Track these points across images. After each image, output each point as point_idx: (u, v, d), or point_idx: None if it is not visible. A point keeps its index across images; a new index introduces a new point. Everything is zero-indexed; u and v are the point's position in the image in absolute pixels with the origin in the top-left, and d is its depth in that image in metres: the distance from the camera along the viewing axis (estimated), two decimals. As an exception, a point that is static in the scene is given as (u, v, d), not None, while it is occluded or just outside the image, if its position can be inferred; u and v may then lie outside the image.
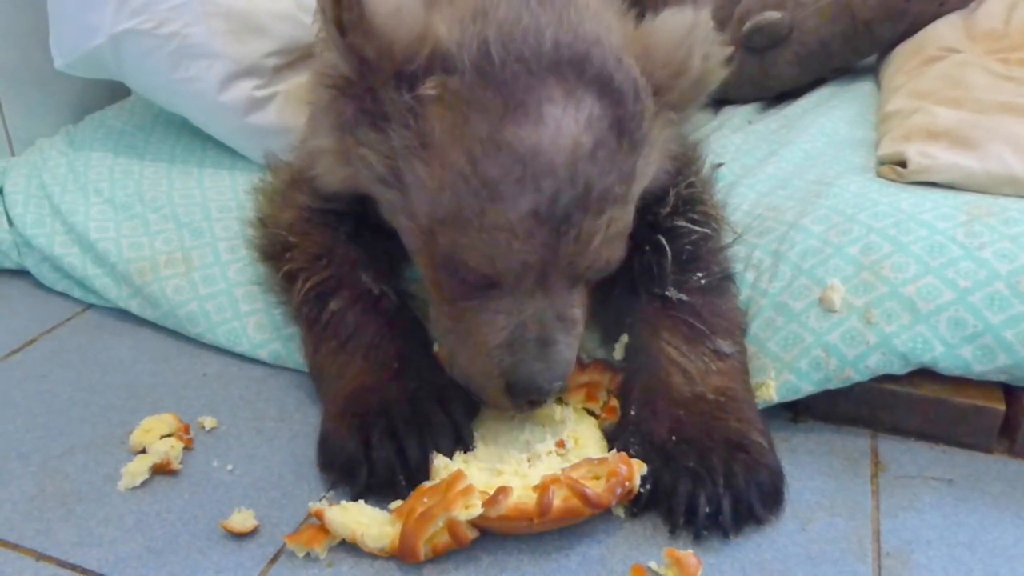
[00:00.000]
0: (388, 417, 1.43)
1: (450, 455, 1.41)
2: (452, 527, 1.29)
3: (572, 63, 1.31)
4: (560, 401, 1.53)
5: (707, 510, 1.34)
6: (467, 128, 1.29)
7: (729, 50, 1.53)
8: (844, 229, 1.64)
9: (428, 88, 1.31)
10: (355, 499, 1.39)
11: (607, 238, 1.35)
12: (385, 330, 1.56)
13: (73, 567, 1.32)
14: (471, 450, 1.45)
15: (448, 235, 1.33)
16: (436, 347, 1.59)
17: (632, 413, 1.47)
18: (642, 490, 1.38)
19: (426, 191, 1.34)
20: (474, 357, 1.41)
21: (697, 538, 1.34)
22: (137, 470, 1.47)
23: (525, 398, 1.39)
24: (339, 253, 1.62)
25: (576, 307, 1.41)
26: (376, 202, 1.50)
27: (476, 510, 1.28)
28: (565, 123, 1.28)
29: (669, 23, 1.44)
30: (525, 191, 1.27)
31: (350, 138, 1.44)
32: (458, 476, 1.32)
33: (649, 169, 1.45)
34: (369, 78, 1.36)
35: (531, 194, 1.27)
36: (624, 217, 1.38)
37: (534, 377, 1.36)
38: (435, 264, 1.39)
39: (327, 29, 1.35)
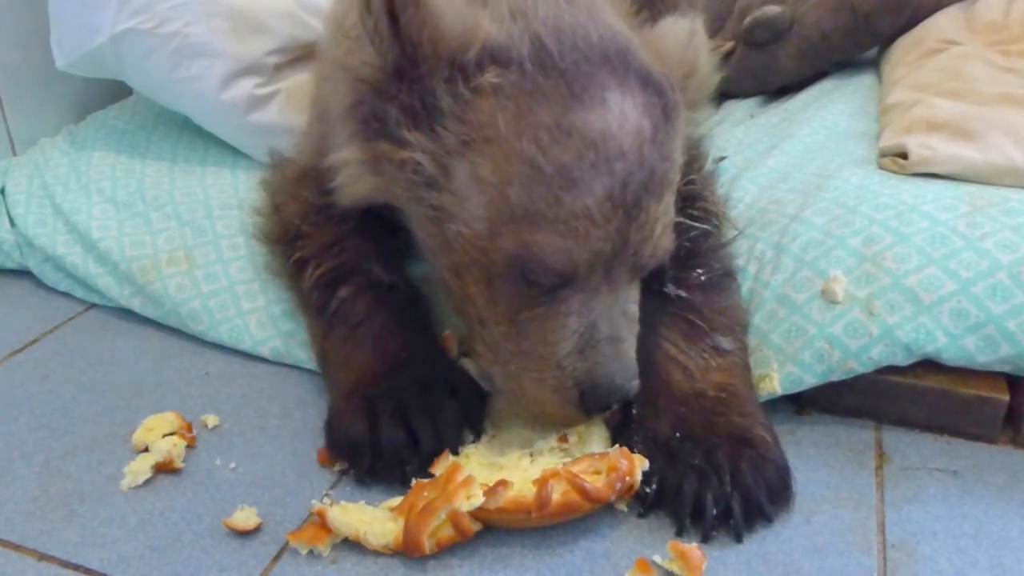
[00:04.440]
0: (398, 401, 1.42)
1: (458, 443, 1.42)
2: (455, 518, 1.28)
3: (618, 55, 1.32)
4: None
5: (714, 511, 1.34)
6: (532, 117, 1.28)
7: (723, 50, 1.57)
8: (846, 221, 1.63)
9: (489, 77, 1.29)
10: (360, 480, 1.40)
11: (666, 225, 1.36)
12: (395, 319, 1.55)
13: (76, 567, 1.32)
14: (482, 436, 1.45)
15: (516, 233, 1.29)
16: (446, 332, 1.61)
17: (634, 411, 1.46)
18: (648, 489, 1.38)
19: (487, 188, 1.31)
20: (543, 373, 1.36)
21: (706, 540, 1.33)
22: (140, 469, 1.47)
23: (602, 404, 1.35)
24: (350, 244, 1.61)
25: (635, 303, 1.41)
26: (406, 215, 1.47)
27: (478, 500, 1.28)
28: (627, 108, 1.29)
29: (673, 29, 1.48)
30: (599, 175, 1.26)
31: (385, 143, 1.40)
32: (456, 468, 1.32)
33: (680, 162, 1.45)
34: (419, 65, 1.33)
35: (605, 178, 1.26)
36: (673, 206, 1.39)
37: (613, 378, 1.33)
38: (494, 274, 1.34)
39: (372, 18, 1.31)
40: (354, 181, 1.48)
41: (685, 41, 1.48)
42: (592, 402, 1.35)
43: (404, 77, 1.35)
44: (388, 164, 1.41)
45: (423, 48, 1.31)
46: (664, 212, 1.34)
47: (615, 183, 1.27)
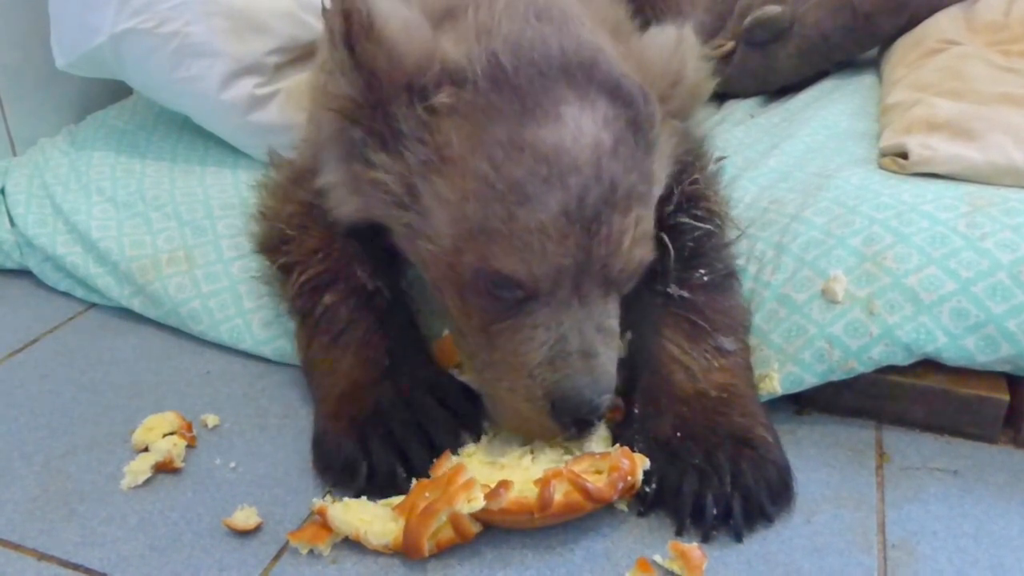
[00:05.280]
0: (386, 421, 1.43)
1: (454, 448, 1.41)
2: (456, 521, 1.28)
3: (581, 68, 1.32)
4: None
5: (715, 510, 1.34)
6: (485, 134, 1.28)
7: (716, 51, 1.55)
8: (846, 221, 1.63)
9: (442, 97, 1.31)
10: (355, 497, 1.38)
11: (636, 239, 1.34)
12: (378, 325, 1.55)
13: (76, 567, 1.32)
14: (482, 436, 1.45)
15: (476, 249, 1.30)
16: (445, 333, 1.60)
17: (635, 411, 1.46)
18: (648, 488, 1.38)
19: (448, 206, 1.32)
20: (515, 383, 1.36)
21: (706, 540, 1.33)
22: (140, 469, 1.47)
23: (572, 416, 1.34)
24: (336, 248, 1.61)
25: (612, 317, 1.39)
26: (390, 231, 1.48)
27: (479, 503, 1.27)
28: (584, 122, 1.28)
29: (658, 38, 1.48)
30: (552, 190, 1.26)
31: (359, 165, 1.42)
32: (459, 469, 1.32)
33: (662, 174, 1.45)
34: (380, 92, 1.35)
35: (559, 192, 1.26)
36: (648, 218, 1.38)
37: (581, 391, 1.32)
38: (463, 288, 1.36)
39: (335, 47, 1.35)
40: (340, 202, 1.52)
41: (671, 49, 1.47)
42: (562, 414, 1.34)
43: (368, 104, 1.37)
44: (364, 185, 1.43)
45: (381, 75, 1.34)
46: (634, 225, 1.33)
47: (570, 198, 1.26)
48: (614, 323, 1.39)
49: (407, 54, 1.32)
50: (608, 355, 1.36)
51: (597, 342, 1.35)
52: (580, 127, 1.28)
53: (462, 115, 1.30)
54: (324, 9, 1.39)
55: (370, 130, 1.39)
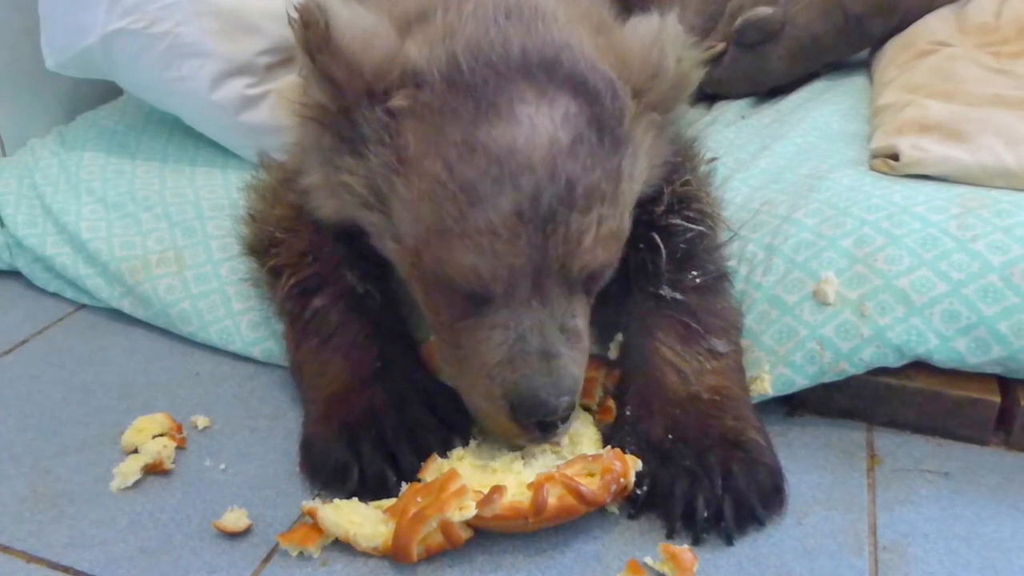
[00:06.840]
0: (376, 425, 1.42)
1: (443, 454, 1.41)
2: (446, 528, 1.28)
3: (542, 66, 1.31)
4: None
5: (706, 513, 1.33)
6: (440, 135, 1.28)
7: (706, 52, 1.53)
8: (837, 222, 1.63)
9: (399, 100, 1.32)
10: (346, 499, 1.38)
11: (599, 238, 1.32)
12: (368, 329, 1.55)
13: (65, 569, 1.32)
14: (468, 443, 1.44)
15: (433, 249, 1.31)
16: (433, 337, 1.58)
17: (628, 413, 1.46)
18: (639, 491, 1.37)
19: (407, 207, 1.33)
20: (476, 381, 1.36)
21: (697, 542, 1.33)
22: (129, 470, 1.47)
23: (531, 418, 1.32)
24: (325, 251, 1.60)
25: (578, 318, 1.37)
26: (366, 232, 1.49)
27: (470, 511, 1.27)
28: (539, 120, 1.28)
29: (637, 29, 1.46)
30: (504, 190, 1.25)
31: (330, 168, 1.44)
32: (452, 476, 1.31)
33: (638, 171, 1.44)
34: (341, 100, 1.37)
35: (511, 192, 1.25)
36: (616, 217, 1.36)
37: (538, 392, 1.30)
38: (426, 286, 1.38)
39: (301, 56, 1.37)
40: (320, 205, 1.53)
41: (650, 40, 1.44)
42: (522, 415, 1.33)
43: (336, 110, 1.39)
44: (337, 188, 1.45)
45: (342, 82, 1.35)
46: (596, 224, 1.31)
47: (523, 197, 1.25)
48: (579, 323, 1.38)
49: (365, 63, 1.33)
50: (571, 355, 1.35)
51: (559, 342, 1.34)
52: (535, 126, 1.27)
53: (419, 117, 1.31)
54: (289, 18, 1.39)
55: (339, 135, 1.41)
